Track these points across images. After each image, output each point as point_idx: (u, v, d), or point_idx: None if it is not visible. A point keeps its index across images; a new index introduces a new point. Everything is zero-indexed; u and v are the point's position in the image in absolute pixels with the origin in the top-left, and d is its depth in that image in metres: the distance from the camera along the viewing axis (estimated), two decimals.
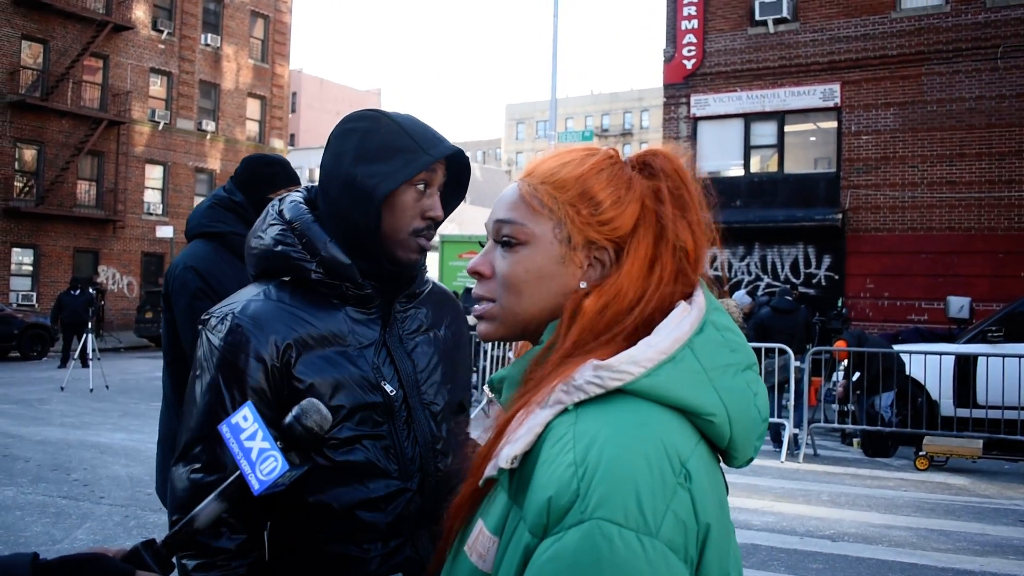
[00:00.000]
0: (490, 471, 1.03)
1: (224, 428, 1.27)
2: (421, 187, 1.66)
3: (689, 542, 0.91)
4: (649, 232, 1.08)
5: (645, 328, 1.03)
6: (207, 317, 1.65)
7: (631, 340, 1.01)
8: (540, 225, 1.10)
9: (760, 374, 1.09)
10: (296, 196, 1.75)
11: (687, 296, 1.07)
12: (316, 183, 1.81)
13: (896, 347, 10.99)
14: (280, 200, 1.75)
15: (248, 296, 1.65)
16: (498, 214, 1.13)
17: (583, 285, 1.07)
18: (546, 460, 0.95)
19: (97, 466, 8.64)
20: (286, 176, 3.08)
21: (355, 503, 1.59)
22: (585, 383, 0.98)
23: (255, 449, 1.24)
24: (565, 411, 0.98)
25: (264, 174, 3.05)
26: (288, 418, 1.29)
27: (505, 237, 1.12)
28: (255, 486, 1.21)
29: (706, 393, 0.98)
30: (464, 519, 1.10)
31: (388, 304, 1.74)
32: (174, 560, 1.24)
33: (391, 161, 1.62)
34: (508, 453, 1.00)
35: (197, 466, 1.56)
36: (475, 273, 1.15)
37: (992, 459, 9.78)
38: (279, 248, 1.66)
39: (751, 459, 1.06)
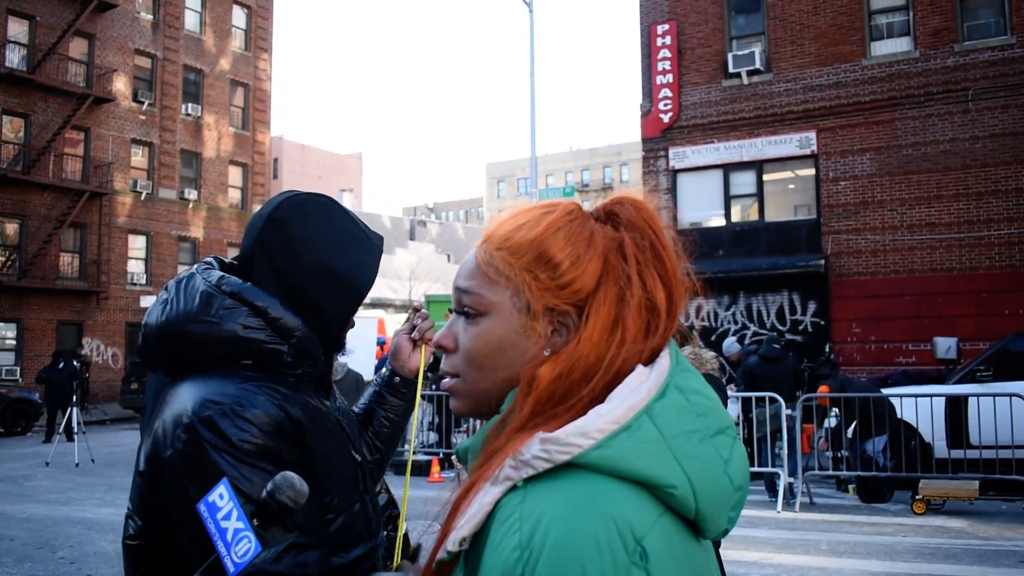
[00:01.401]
0: (441, 554, 0.97)
1: (202, 507, 1.26)
2: None
3: None
4: (612, 290, 1.01)
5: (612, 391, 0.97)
6: (197, 417, 1.48)
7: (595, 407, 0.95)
8: (498, 294, 1.04)
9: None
10: (221, 272, 1.67)
11: (657, 354, 1.01)
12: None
13: (885, 390, 10.97)
14: (207, 279, 1.64)
15: (232, 383, 1.54)
16: (457, 282, 1.08)
17: (547, 353, 1.01)
18: (493, 542, 0.91)
19: (83, 543, 8.47)
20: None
21: (336, 568, 1.59)
22: (532, 458, 0.92)
23: (230, 529, 1.23)
24: (514, 487, 0.93)
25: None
26: (263, 494, 1.27)
27: (465, 308, 1.07)
28: (230, 569, 1.20)
29: (665, 463, 0.91)
30: None
31: (326, 375, 1.76)
32: None
33: (359, 251, 1.64)
34: (455, 536, 0.95)
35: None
36: (440, 347, 1.10)
37: (989, 500, 9.72)
38: (247, 333, 1.58)
39: (726, 530, 0.99)
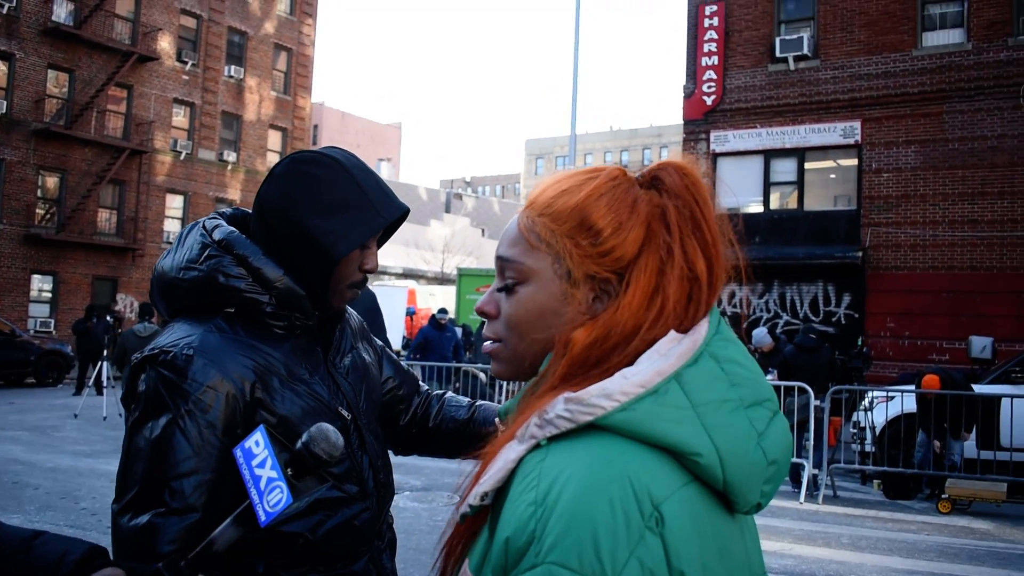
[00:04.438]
0: (463, 508, 0.98)
1: (238, 452, 1.29)
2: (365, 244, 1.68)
3: None
4: (653, 258, 0.99)
5: None
6: (155, 352, 1.54)
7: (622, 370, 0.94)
8: (539, 261, 1.03)
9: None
10: (220, 221, 1.70)
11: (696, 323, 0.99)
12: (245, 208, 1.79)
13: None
14: (205, 228, 1.68)
15: (200, 330, 1.58)
16: (499, 250, 1.07)
17: (587, 322, 1.00)
18: (512, 498, 0.90)
19: (107, 495, 8.56)
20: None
21: (327, 530, 1.59)
22: (556, 417, 0.92)
23: (264, 478, 1.25)
24: (538, 446, 0.93)
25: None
26: (298, 445, 1.29)
27: (507, 275, 1.06)
28: (262, 518, 1.22)
29: (691, 430, 0.90)
30: (457, 557, 1.02)
31: (323, 331, 1.76)
32: None
33: (346, 218, 1.61)
34: (478, 490, 0.96)
35: (177, 506, 1.46)
36: (482, 313, 1.09)
37: (1017, 503, 9.56)
38: (226, 281, 1.60)
39: (760, 505, 0.97)
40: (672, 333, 0.97)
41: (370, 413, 1.81)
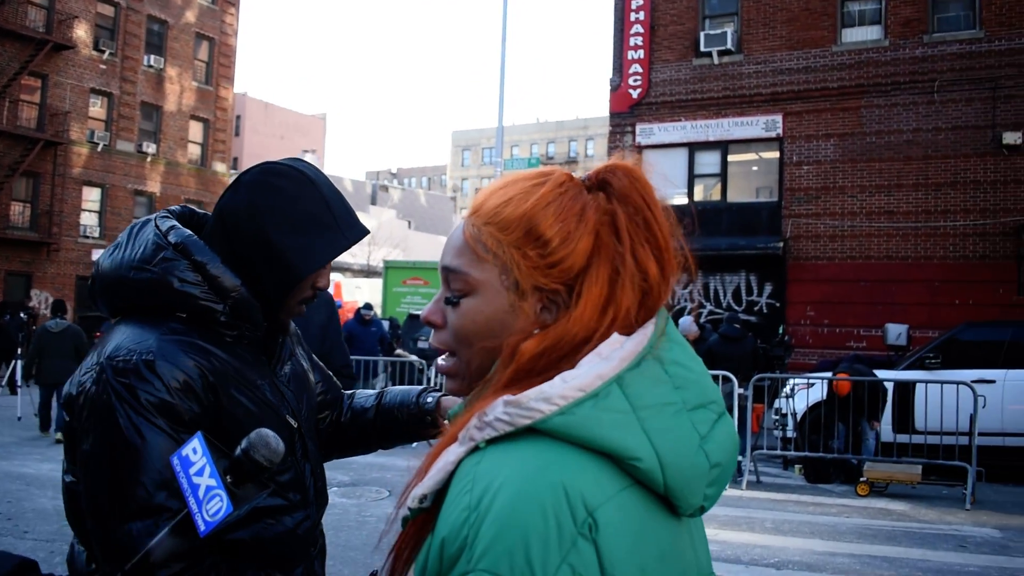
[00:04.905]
0: (403, 511, 0.97)
1: (175, 460, 1.25)
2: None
3: None
4: (604, 268, 0.97)
5: None
6: (116, 358, 1.49)
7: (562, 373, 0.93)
8: (485, 272, 1.00)
9: None
10: (175, 222, 1.66)
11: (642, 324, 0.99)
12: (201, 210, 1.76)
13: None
14: (159, 227, 1.63)
15: (155, 334, 1.54)
16: (444, 259, 1.05)
17: (536, 332, 0.98)
18: (448, 501, 0.90)
19: (22, 499, 8.31)
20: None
21: (270, 538, 1.56)
22: (494, 419, 0.91)
23: (202, 486, 1.22)
24: (477, 448, 0.92)
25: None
26: (237, 451, 1.26)
27: (453, 286, 1.03)
28: (201, 527, 1.19)
29: (630, 434, 0.89)
30: (406, 560, 0.99)
31: (268, 341, 1.74)
32: None
33: (313, 237, 1.59)
34: (416, 492, 0.95)
35: (168, 516, 1.39)
36: (428, 322, 1.07)
37: (931, 484, 9.88)
38: (181, 286, 1.57)
39: (703, 508, 0.96)
40: (615, 336, 0.95)
41: (310, 420, 1.81)
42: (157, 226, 1.63)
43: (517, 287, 0.99)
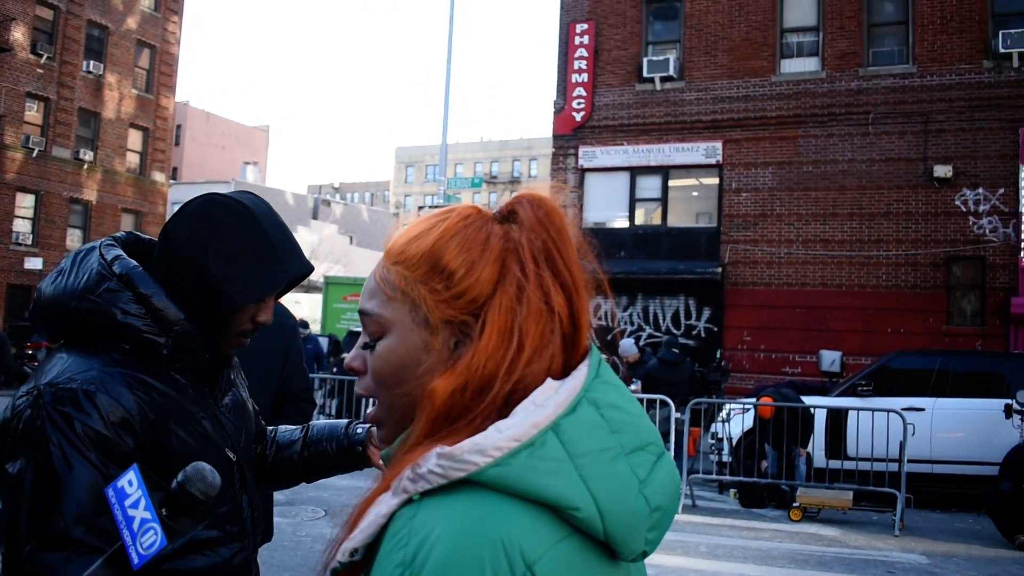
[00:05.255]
0: (333, 563, 0.94)
1: (110, 492, 1.24)
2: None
3: None
4: (506, 296, 0.96)
5: (517, 405, 0.92)
6: (55, 386, 1.49)
7: (498, 420, 0.91)
8: (396, 311, 1.00)
9: None
10: (119, 251, 1.66)
11: (576, 365, 0.97)
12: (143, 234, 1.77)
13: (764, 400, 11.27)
14: (103, 257, 1.63)
15: (98, 364, 1.54)
16: (360, 304, 1.04)
17: (447, 370, 0.97)
18: (381, 557, 0.87)
19: None
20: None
21: (205, 568, 1.58)
22: (428, 472, 0.89)
23: (137, 519, 1.21)
24: (410, 500, 0.90)
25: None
26: (173, 484, 1.26)
27: (369, 330, 1.03)
28: (135, 560, 1.19)
29: (568, 483, 0.87)
30: None
31: (211, 373, 1.76)
32: None
33: (250, 269, 1.62)
34: (346, 547, 0.93)
35: (85, 551, 1.38)
36: (351, 370, 1.06)
37: (861, 510, 10.08)
38: (124, 318, 1.57)
39: (645, 552, 0.94)
40: (549, 381, 0.93)
41: (248, 450, 1.82)
42: (102, 255, 1.63)
43: (427, 323, 0.98)
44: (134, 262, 1.63)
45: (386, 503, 0.91)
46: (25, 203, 31.13)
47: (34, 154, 30.91)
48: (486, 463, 0.87)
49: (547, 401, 0.91)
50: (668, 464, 0.97)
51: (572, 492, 0.86)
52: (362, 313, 1.04)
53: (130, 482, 1.25)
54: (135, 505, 1.22)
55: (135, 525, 1.21)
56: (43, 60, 31.23)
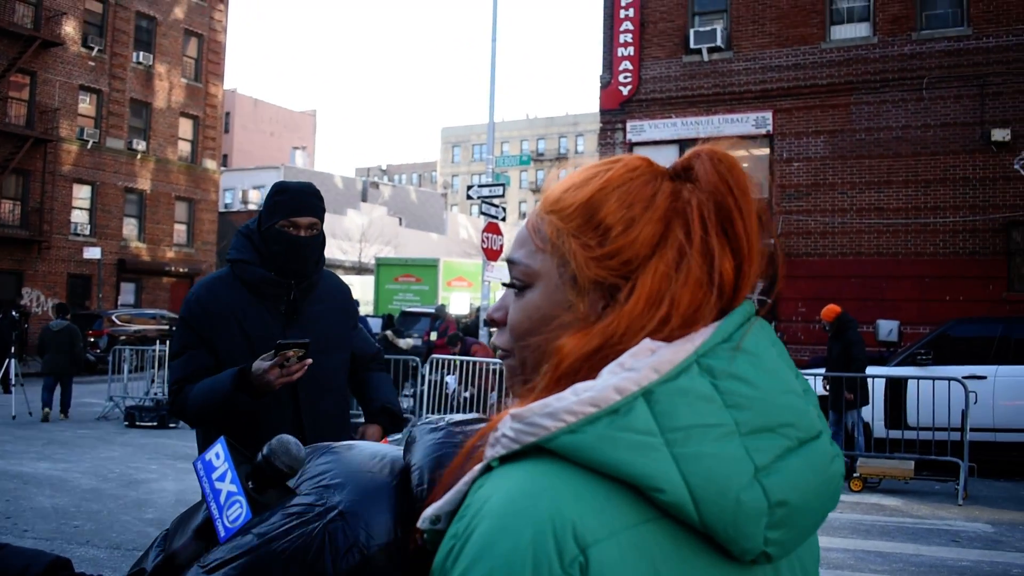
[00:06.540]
0: (422, 523, 0.88)
1: (199, 464, 1.26)
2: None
3: None
4: (663, 261, 0.86)
5: None
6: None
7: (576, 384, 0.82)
8: (544, 263, 0.91)
9: None
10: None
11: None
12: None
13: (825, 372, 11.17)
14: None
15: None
16: (507, 252, 0.96)
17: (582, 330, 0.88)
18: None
19: (20, 497, 8.32)
20: (290, 206, 2.94)
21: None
22: (501, 436, 0.81)
23: (224, 492, 1.22)
24: (489, 468, 0.82)
25: (270, 203, 2.99)
26: (258, 457, 1.25)
27: (513, 279, 0.94)
28: (221, 533, 1.19)
29: (651, 459, 0.75)
30: None
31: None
32: None
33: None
34: (428, 513, 0.86)
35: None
36: (491, 321, 0.99)
37: (923, 480, 9.97)
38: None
39: (765, 553, 0.79)
40: (647, 342, 0.83)
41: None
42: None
43: (575, 282, 0.88)
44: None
45: (473, 469, 0.84)
46: (82, 194, 31.81)
47: (88, 146, 31.53)
48: (558, 428, 0.77)
49: (638, 364, 0.80)
50: (815, 454, 0.83)
51: (656, 470, 0.75)
52: (509, 261, 0.96)
53: (217, 455, 1.25)
54: (222, 478, 1.23)
55: (222, 498, 1.21)
56: (94, 53, 31.77)
